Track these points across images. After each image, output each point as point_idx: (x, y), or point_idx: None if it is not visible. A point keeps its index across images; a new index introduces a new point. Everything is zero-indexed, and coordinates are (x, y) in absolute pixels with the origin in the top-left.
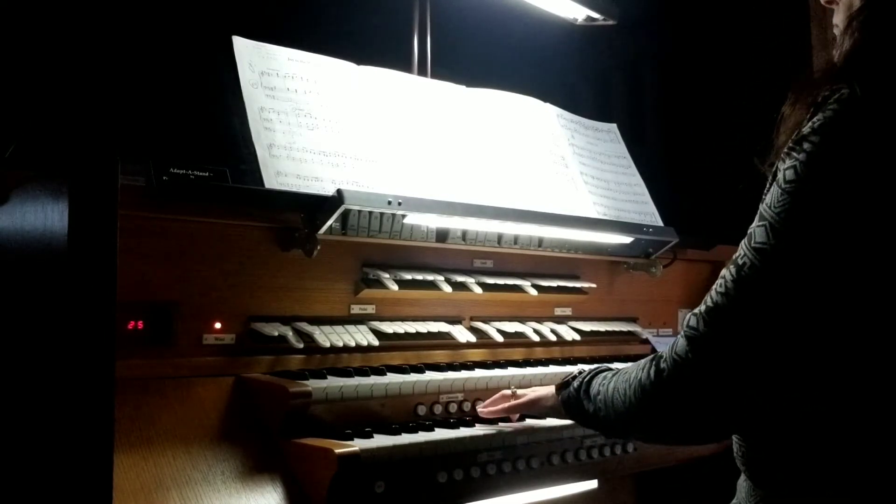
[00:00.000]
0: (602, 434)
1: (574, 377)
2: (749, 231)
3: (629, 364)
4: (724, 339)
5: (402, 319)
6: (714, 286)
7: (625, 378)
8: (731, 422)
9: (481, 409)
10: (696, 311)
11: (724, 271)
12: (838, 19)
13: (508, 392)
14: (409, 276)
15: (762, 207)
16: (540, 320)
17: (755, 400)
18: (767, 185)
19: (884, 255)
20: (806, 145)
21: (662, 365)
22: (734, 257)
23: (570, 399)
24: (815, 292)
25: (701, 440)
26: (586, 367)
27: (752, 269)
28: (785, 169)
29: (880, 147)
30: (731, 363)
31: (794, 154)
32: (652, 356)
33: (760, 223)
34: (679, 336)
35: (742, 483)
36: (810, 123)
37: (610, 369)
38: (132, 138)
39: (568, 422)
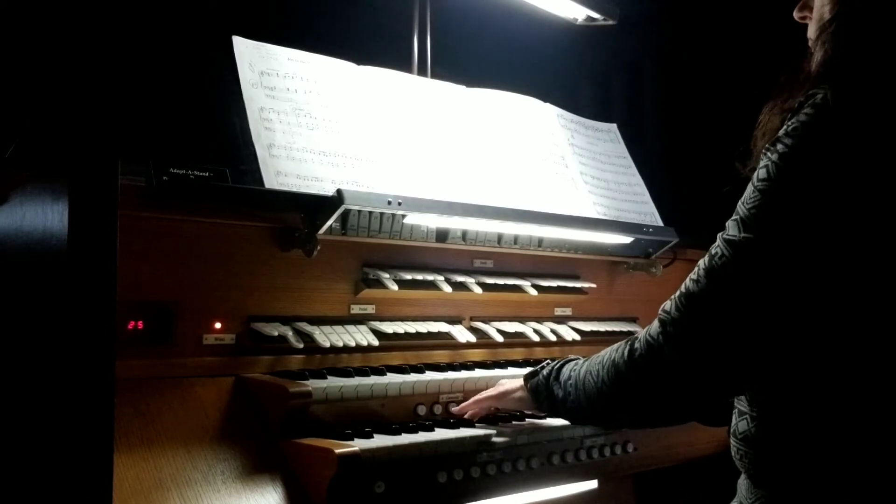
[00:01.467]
0: (569, 420)
1: (542, 367)
2: (726, 224)
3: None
4: (692, 324)
5: (402, 319)
6: (690, 274)
7: (598, 360)
8: (698, 403)
9: (455, 409)
10: (673, 296)
11: (700, 261)
12: (811, 32)
13: (481, 394)
14: (409, 276)
15: (738, 203)
16: (540, 320)
17: (722, 383)
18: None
19: (849, 251)
20: (780, 146)
21: (636, 345)
22: (710, 248)
23: (539, 386)
24: (780, 285)
25: (668, 421)
26: (552, 359)
27: (721, 258)
28: (759, 168)
29: (850, 149)
30: (698, 346)
31: (769, 154)
32: (627, 339)
33: (734, 217)
34: (655, 320)
35: (742, 482)
36: (785, 126)
37: (579, 359)
38: (132, 138)
39: (565, 422)
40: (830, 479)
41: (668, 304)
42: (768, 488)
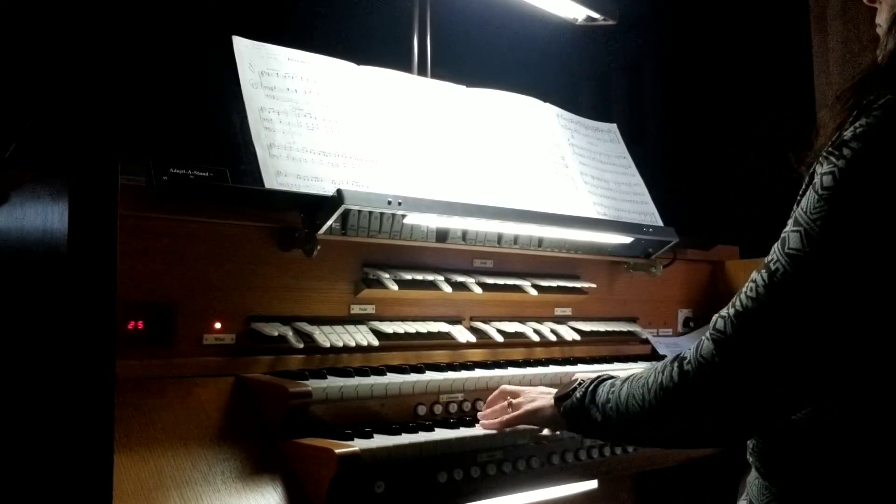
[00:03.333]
0: (610, 443)
1: (574, 388)
2: (783, 235)
3: (636, 370)
4: (752, 345)
5: (402, 319)
6: (743, 289)
7: (640, 383)
8: (752, 425)
9: (481, 416)
10: (724, 313)
11: (754, 274)
12: (881, 18)
13: (505, 403)
14: (409, 276)
15: (797, 212)
16: (540, 320)
17: (779, 405)
18: (803, 188)
19: None
20: (846, 151)
21: (686, 367)
22: (766, 261)
23: (574, 409)
24: (847, 302)
25: (719, 443)
26: (583, 376)
27: (784, 275)
28: (823, 174)
29: None
30: (757, 368)
31: (833, 159)
32: (672, 358)
33: (795, 228)
34: (704, 338)
35: (753, 480)
36: (852, 128)
37: (612, 377)
38: (132, 138)
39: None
40: (847, 478)
41: (719, 323)
42: (783, 486)
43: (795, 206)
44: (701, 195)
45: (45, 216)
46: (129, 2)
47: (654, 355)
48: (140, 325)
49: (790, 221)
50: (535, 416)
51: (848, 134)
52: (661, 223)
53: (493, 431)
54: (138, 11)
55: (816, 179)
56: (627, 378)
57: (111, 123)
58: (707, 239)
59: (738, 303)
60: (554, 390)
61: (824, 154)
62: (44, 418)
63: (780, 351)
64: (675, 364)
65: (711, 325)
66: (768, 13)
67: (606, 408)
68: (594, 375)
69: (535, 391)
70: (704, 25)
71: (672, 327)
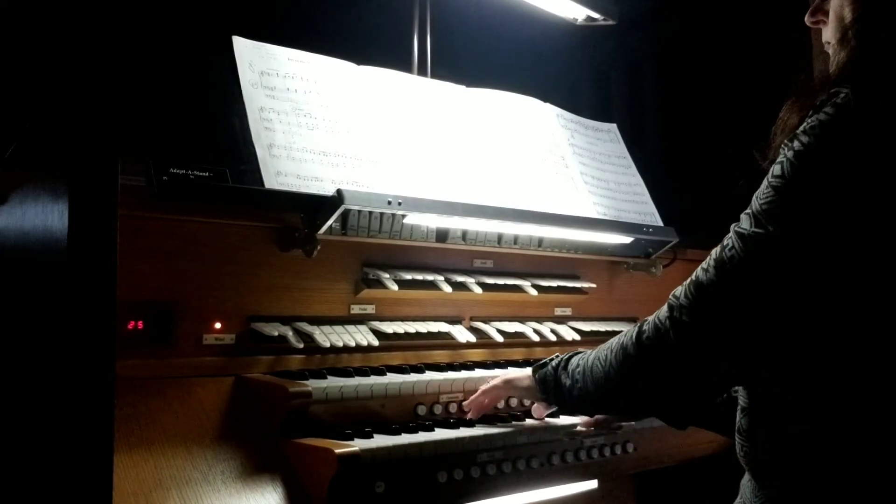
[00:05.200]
0: (574, 411)
1: (552, 358)
2: (740, 217)
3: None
4: (699, 313)
5: (402, 319)
6: (702, 263)
7: (606, 347)
8: (703, 388)
9: (465, 404)
10: (684, 282)
11: (713, 250)
12: (828, 35)
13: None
14: (409, 276)
15: (753, 197)
16: (540, 320)
17: (721, 373)
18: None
19: (858, 250)
20: (796, 143)
21: (644, 327)
22: (723, 239)
23: (547, 376)
24: (787, 281)
25: (664, 410)
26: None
27: (731, 250)
28: (775, 164)
29: (868, 150)
30: (702, 335)
31: (785, 151)
32: (636, 324)
33: (747, 211)
34: (665, 306)
35: (746, 482)
36: (804, 124)
37: (589, 351)
38: (132, 138)
39: (568, 421)
40: (830, 481)
41: (678, 290)
42: (773, 489)
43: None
44: (701, 195)
45: (45, 216)
46: (130, 2)
47: None
48: (140, 325)
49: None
50: (510, 385)
51: (800, 129)
52: (661, 223)
53: (494, 431)
54: (138, 11)
55: (770, 169)
56: (598, 347)
57: (111, 124)
58: (707, 239)
59: (694, 275)
60: None
61: (780, 148)
62: (44, 418)
63: (723, 321)
64: (636, 328)
65: (672, 293)
66: (768, 13)
67: (575, 373)
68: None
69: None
70: (705, 25)
71: None
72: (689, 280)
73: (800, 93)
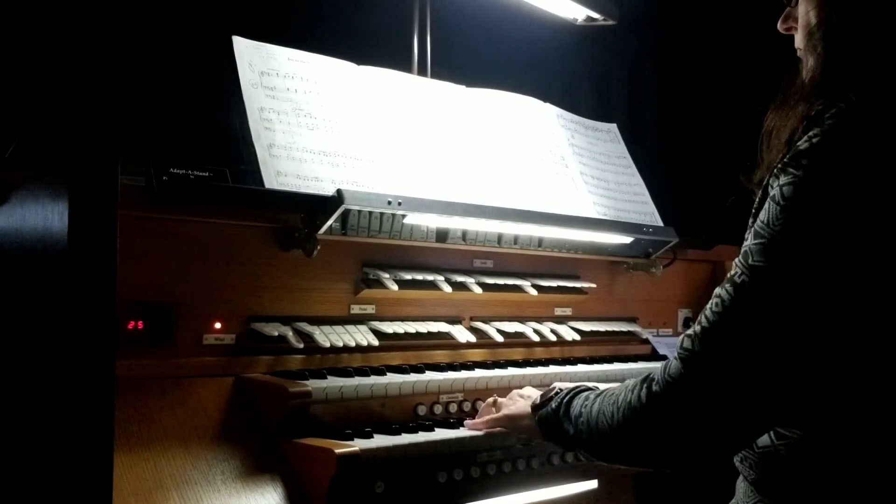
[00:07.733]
0: (582, 457)
1: (550, 397)
2: (744, 248)
3: (612, 385)
4: (719, 360)
5: (402, 319)
6: (708, 306)
7: (611, 400)
8: (721, 446)
9: (467, 422)
10: (690, 332)
11: (718, 290)
12: (799, 42)
13: (491, 401)
14: (409, 276)
15: (758, 225)
16: (540, 320)
17: (748, 424)
18: (757, 201)
19: (886, 273)
20: (804, 161)
21: (655, 388)
22: (730, 276)
23: (549, 420)
24: (814, 313)
25: (689, 463)
26: (561, 385)
27: (750, 288)
28: (783, 185)
29: (881, 163)
30: (726, 384)
31: (792, 170)
32: (641, 377)
33: (757, 241)
34: (672, 358)
35: (740, 483)
36: (807, 138)
37: (589, 388)
38: (132, 138)
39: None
40: (833, 488)
41: (685, 342)
42: (771, 496)
43: (752, 221)
44: (701, 195)
45: (45, 216)
46: (130, 2)
47: (654, 355)
48: (140, 325)
49: (750, 235)
50: (512, 423)
51: (804, 145)
52: (661, 223)
53: (493, 431)
54: (138, 11)
55: (775, 191)
56: (602, 393)
57: (111, 123)
58: (707, 239)
59: (703, 320)
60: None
61: (780, 166)
62: (44, 418)
63: (748, 365)
64: (644, 384)
65: (679, 344)
66: (768, 13)
67: (578, 422)
68: (572, 385)
69: (525, 392)
70: (705, 25)
71: (672, 327)
72: (696, 329)
73: (783, 101)
